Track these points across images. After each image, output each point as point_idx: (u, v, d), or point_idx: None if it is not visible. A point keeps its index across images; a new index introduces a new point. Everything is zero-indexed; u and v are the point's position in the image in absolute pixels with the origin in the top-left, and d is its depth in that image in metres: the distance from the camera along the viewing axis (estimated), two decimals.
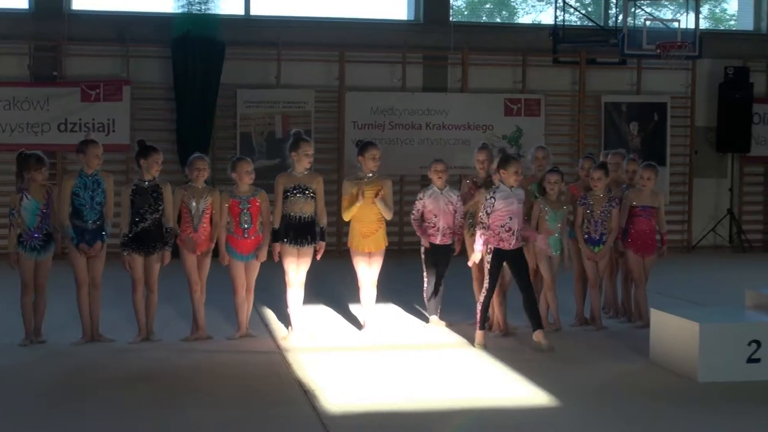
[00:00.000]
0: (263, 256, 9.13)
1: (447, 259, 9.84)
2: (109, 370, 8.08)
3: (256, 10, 16.85)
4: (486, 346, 8.86)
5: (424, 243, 9.74)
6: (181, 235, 8.96)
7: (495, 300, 9.27)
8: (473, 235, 9.67)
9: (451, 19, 17.42)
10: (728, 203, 17.69)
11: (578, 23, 18.21)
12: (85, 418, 6.74)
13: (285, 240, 9.04)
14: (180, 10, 15.78)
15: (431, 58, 17.03)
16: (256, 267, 9.15)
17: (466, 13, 21.18)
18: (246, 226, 9.02)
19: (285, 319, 9.58)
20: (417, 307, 10.77)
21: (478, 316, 8.98)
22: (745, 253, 17.30)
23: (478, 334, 8.95)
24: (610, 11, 17.95)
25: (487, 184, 9.53)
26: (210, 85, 15.58)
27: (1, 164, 14.19)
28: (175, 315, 10.03)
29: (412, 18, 17.39)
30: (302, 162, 9.08)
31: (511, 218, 8.72)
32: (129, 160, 14.25)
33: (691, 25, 16.17)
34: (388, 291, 10.55)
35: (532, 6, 22.22)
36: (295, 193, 9.02)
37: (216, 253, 9.08)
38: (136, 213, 8.85)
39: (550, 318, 9.65)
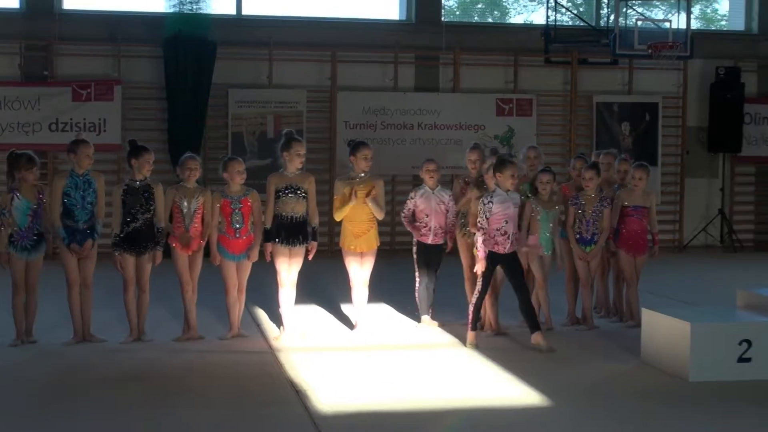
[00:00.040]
0: (255, 256, 9.12)
1: (439, 258, 9.84)
2: (100, 370, 8.07)
3: (247, 10, 16.85)
4: (478, 346, 8.86)
5: (417, 237, 9.74)
6: (174, 232, 8.94)
7: (487, 300, 9.28)
8: (465, 234, 9.70)
9: (442, 19, 17.43)
10: (719, 203, 17.73)
11: (570, 23, 18.25)
12: (77, 418, 6.72)
13: (276, 240, 9.04)
14: (171, 10, 15.76)
15: (423, 58, 17.04)
16: (247, 267, 9.14)
17: (457, 13, 21.20)
18: (237, 226, 9.01)
19: (277, 319, 9.58)
20: (409, 307, 10.76)
21: (470, 317, 8.99)
22: (736, 252, 17.34)
23: (470, 334, 8.96)
24: (601, 11, 17.98)
25: (479, 183, 9.54)
26: (201, 85, 15.56)
27: None
28: (166, 315, 10.01)
29: (404, 18, 17.40)
30: (294, 162, 9.07)
31: (506, 222, 8.72)
32: (120, 160, 14.23)
33: (683, 26, 16.21)
34: (380, 291, 10.54)
35: (524, 6, 22.25)
36: (287, 193, 9.02)
37: (207, 253, 9.07)
38: (127, 213, 8.83)
39: (542, 317, 9.65)
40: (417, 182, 10.85)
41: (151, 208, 8.88)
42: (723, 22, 21.40)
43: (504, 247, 8.75)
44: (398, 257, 14.18)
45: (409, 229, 9.84)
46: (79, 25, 15.84)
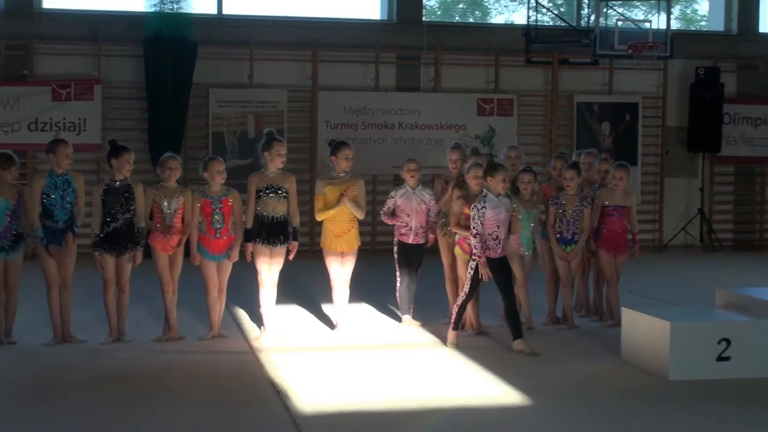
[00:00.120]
0: (235, 256, 9.10)
1: (420, 258, 9.86)
2: (80, 370, 8.04)
3: (228, 10, 16.80)
4: (458, 346, 8.87)
5: (396, 226, 9.74)
6: (157, 227, 8.90)
7: None
8: (446, 234, 9.72)
9: (424, 18, 17.44)
10: (699, 203, 17.81)
11: (551, 23, 18.29)
12: (57, 418, 6.70)
13: (257, 240, 9.02)
14: (152, 9, 15.70)
15: (404, 58, 17.05)
16: (228, 267, 9.12)
17: (439, 13, 21.22)
18: (218, 226, 8.99)
19: (257, 319, 9.56)
20: (390, 306, 10.78)
21: (453, 317, 8.99)
22: (715, 252, 17.43)
23: (451, 333, 8.96)
24: (582, 12, 18.03)
25: (460, 183, 9.56)
26: (182, 85, 15.51)
27: None
28: (146, 315, 9.98)
29: (385, 18, 17.40)
30: (275, 162, 9.06)
31: (498, 227, 8.68)
32: (100, 159, 14.18)
33: (663, 26, 16.28)
34: (361, 291, 10.54)
35: (505, 6, 22.29)
36: (268, 193, 9.01)
37: (188, 253, 9.05)
38: (107, 213, 8.79)
39: (522, 317, 9.66)
40: (398, 182, 10.86)
41: (132, 208, 8.84)
42: (703, 23, 21.50)
43: (496, 252, 8.71)
44: (379, 257, 14.18)
45: (387, 221, 9.83)
46: (59, 24, 15.76)
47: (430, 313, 10.12)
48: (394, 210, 9.78)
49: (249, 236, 9.03)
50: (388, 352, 8.82)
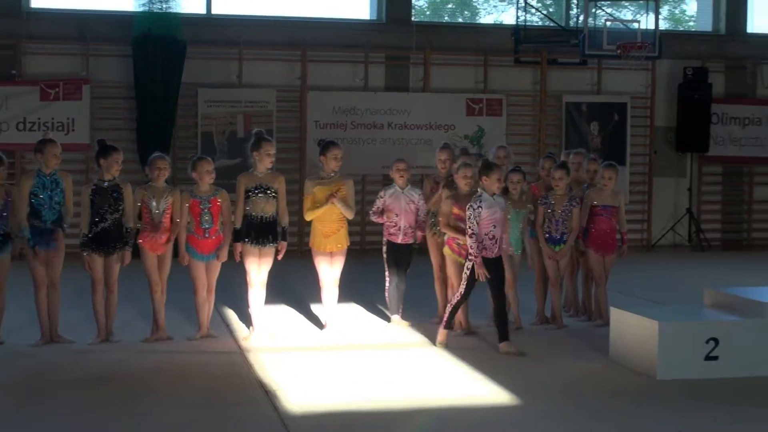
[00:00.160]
0: (224, 256, 9.09)
1: (409, 258, 9.86)
2: (68, 371, 8.02)
3: (217, 9, 16.77)
4: (447, 346, 8.88)
5: (385, 225, 9.74)
6: (146, 227, 8.88)
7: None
8: (435, 234, 9.73)
9: (413, 18, 17.44)
10: (687, 203, 17.84)
11: (539, 24, 18.30)
12: (45, 419, 6.68)
13: (246, 240, 9.01)
14: (141, 9, 15.66)
15: (393, 58, 17.04)
16: (216, 267, 9.11)
17: (428, 13, 21.23)
18: (207, 226, 8.98)
19: (246, 320, 9.55)
20: (379, 306, 10.78)
21: (446, 316, 8.97)
22: (703, 252, 17.47)
23: (442, 333, 8.95)
24: (571, 12, 18.05)
25: (449, 183, 9.57)
26: (171, 85, 15.48)
27: None
28: (135, 315, 9.96)
29: (374, 17, 17.39)
30: (264, 162, 9.06)
31: (494, 226, 8.66)
32: (89, 159, 14.14)
33: (651, 26, 16.30)
34: (350, 291, 10.54)
35: (494, 6, 22.31)
36: (257, 193, 9.00)
37: (176, 253, 9.03)
38: (95, 213, 8.77)
39: (511, 317, 9.68)
40: (387, 182, 10.86)
41: (120, 208, 8.83)
42: (691, 23, 21.56)
43: (492, 252, 8.69)
44: (368, 257, 14.18)
45: (376, 220, 9.83)
46: (47, 23, 15.72)
47: (419, 313, 10.13)
48: (383, 209, 9.79)
49: (238, 236, 9.03)
50: (377, 352, 8.82)
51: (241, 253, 9.05)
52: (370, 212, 9.93)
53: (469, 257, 8.69)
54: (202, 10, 16.66)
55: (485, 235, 8.63)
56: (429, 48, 16.77)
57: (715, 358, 7.89)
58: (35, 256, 8.71)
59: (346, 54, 16.67)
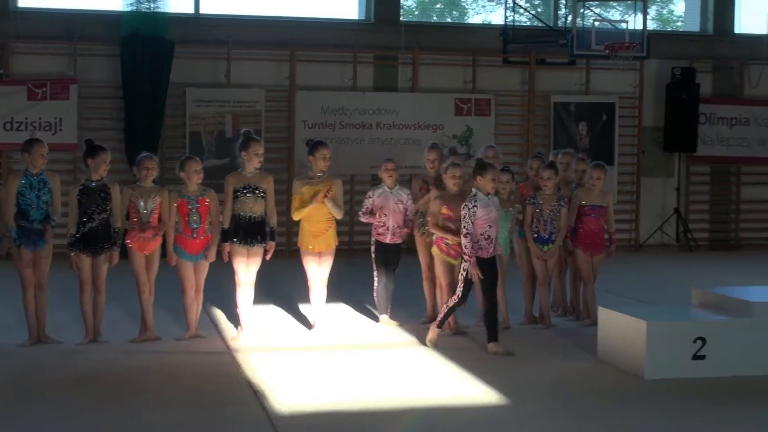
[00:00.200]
0: (212, 256, 9.07)
1: (397, 258, 9.87)
2: (56, 371, 8.00)
3: (205, 9, 16.75)
4: (437, 345, 8.87)
5: (374, 225, 9.74)
6: (134, 227, 8.85)
7: (445, 298, 9.28)
8: (423, 234, 9.73)
9: (401, 18, 17.45)
10: (675, 202, 17.88)
11: (528, 24, 18.31)
12: (32, 419, 6.66)
13: (235, 240, 9.00)
14: (129, 8, 15.62)
15: (382, 58, 17.04)
16: (205, 267, 9.10)
17: (416, 12, 21.24)
18: (195, 226, 8.96)
19: (234, 320, 9.54)
20: (367, 306, 10.78)
21: (440, 315, 8.93)
22: (691, 251, 17.51)
23: (434, 331, 8.91)
24: (559, 12, 18.09)
25: (438, 183, 9.57)
26: (159, 84, 15.44)
27: None
28: (123, 316, 9.94)
29: (362, 17, 17.39)
30: (252, 161, 9.05)
31: (490, 226, 8.66)
32: (76, 159, 14.12)
33: (639, 26, 16.34)
34: (338, 290, 10.54)
35: (482, 6, 22.33)
36: (245, 193, 8.99)
37: (164, 253, 9.02)
38: (83, 213, 8.75)
39: (499, 317, 9.67)
40: (376, 182, 10.85)
41: (108, 208, 8.80)
42: (679, 23, 21.62)
43: (487, 252, 8.68)
44: (357, 257, 14.17)
45: (366, 220, 9.82)
46: (34, 23, 15.67)
47: (408, 312, 10.13)
48: (372, 209, 9.79)
49: (226, 236, 9.01)
50: (365, 352, 8.82)
51: (229, 253, 9.04)
52: (359, 212, 9.93)
53: (464, 257, 8.68)
54: (191, 10, 16.64)
55: (481, 235, 8.62)
56: (417, 48, 16.78)
57: (703, 357, 7.92)
58: (21, 256, 8.67)
59: (335, 54, 16.67)
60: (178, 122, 15.98)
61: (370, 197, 9.81)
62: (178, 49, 15.52)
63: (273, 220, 9.15)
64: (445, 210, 9.12)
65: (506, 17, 17.17)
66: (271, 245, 9.15)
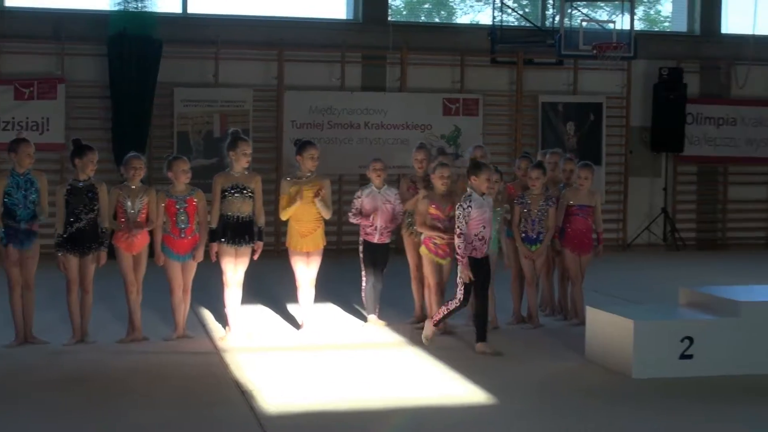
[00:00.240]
0: (200, 256, 9.06)
1: (385, 258, 9.87)
2: (43, 372, 7.97)
3: (193, 8, 16.73)
4: (431, 342, 8.82)
5: (364, 228, 9.74)
6: (121, 227, 8.83)
7: (433, 298, 9.29)
8: (411, 234, 9.73)
9: (389, 18, 17.46)
10: (662, 202, 17.93)
11: (516, 24, 18.33)
12: (19, 420, 6.64)
13: (222, 240, 8.99)
14: (116, 8, 15.57)
15: (370, 58, 17.04)
16: (192, 267, 9.08)
17: (404, 12, 21.24)
18: (183, 225, 8.95)
19: (222, 320, 9.53)
20: (355, 306, 10.78)
21: (438, 316, 8.83)
22: (678, 251, 17.56)
23: (432, 329, 8.86)
24: (547, 12, 18.11)
25: (426, 183, 9.58)
26: (147, 84, 15.41)
27: None
28: (110, 316, 9.91)
29: (350, 17, 17.39)
30: (240, 161, 9.03)
31: (484, 227, 8.66)
32: (64, 159, 14.07)
33: (627, 27, 16.39)
34: (326, 290, 10.54)
35: (470, 6, 22.34)
36: (233, 193, 8.98)
37: (152, 253, 9.00)
38: (70, 213, 8.72)
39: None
40: (364, 182, 10.86)
41: (95, 208, 8.78)
42: (666, 24, 21.67)
43: (481, 252, 8.69)
44: (345, 257, 14.17)
45: (356, 221, 9.81)
46: (21, 22, 15.61)
47: (396, 312, 10.14)
48: (362, 210, 9.78)
49: (214, 236, 9.00)
50: (353, 352, 8.82)
51: (217, 253, 9.03)
52: (349, 213, 9.91)
53: (456, 258, 8.65)
54: (178, 9, 16.61)
55: (475, 236, 8.61)
56: (406, 48, 16.79)
57: (690, 356, 7.94)
58: (8, 256, 8.64)
59: (323, 54, 16.66)
60: (165, 122, 15.95)
61: (358, 197, 9.81)
62: (166, 48, 15.49)
63: (261, 220, 9.14)
64: (433, 210, 9.13)
65: (494, 17, 17.20)
66: (259, 245, 9.14)
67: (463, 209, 8.58)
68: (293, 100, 16.33)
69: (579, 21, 16.60)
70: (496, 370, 8.10)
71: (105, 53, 15.41)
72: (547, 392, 7.54)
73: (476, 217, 8.59)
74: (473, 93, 17.11)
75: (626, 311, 8.62)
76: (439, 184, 9.15)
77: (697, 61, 18.17)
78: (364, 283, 9.87)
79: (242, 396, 7.24)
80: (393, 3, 18.48)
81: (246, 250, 9.06)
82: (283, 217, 9.37)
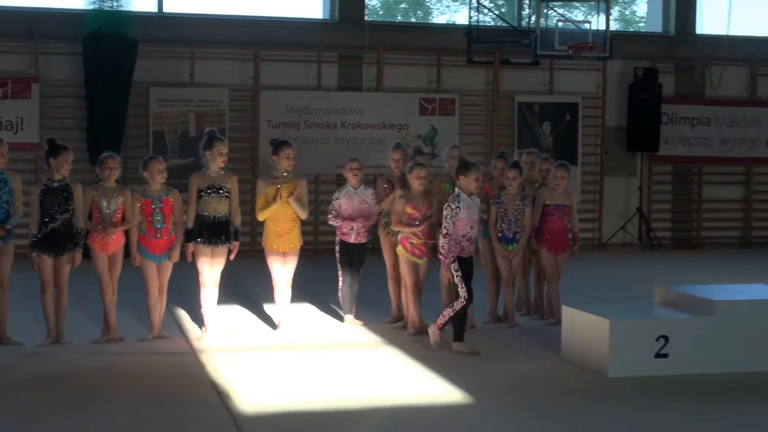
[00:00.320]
0: (176, 256, 9.02)
1: (362, 258, 9.87)
2: (17, 373, 7.92)
3: (169, 8, 16.67)
4: (442, 346, 8.73)
5: (340, 230, 9.73)
6: (96, 228, 8.77)
7: (410, 297, 9.31)
8: (388, 233, 9.74)
9: (366, 18, 17.45)
10: (638, 202, 18.02)
11: (492, 24, 18.40)
12: None
13: (198, 240, 8.96)
14: (91, 6, 15.49)
15: (346, 58, 17.04)
16: (168, 267, 9.05)
17: (381, 12, 21.27)
18: (158, 226, 8.91)
19: (198, 320, 9.49)
20: (332, 306, 10.77)
21: (444, 318, 8.73)
22: (653, 250, 17.66)
23: (436, 333, 8.78)
24: (523, 12, 18.16)
25: (402, 182, 9.58)
26: (122, 83, 15.33)
27: None
28: (85, 317, 9.86)
29: (327, 17, 17.38)
30: (216, 161, 9.01)
31: (471, 227, 8.65)
32: (38, 159, 13.99)
33: (602, 27, 16.44)
34: (303, 290, 10.52)
35: (447, 6, 22.41)
36: (209, 193, 8.95)
37: (128, 253, 8.96)
38: (45, 213, 8.67)
39: None
40: (340, 182, 10.85)
41: (70, 208, 8.73)
42: (641, 24, 21.80)
43: (468, 252, 8.69)
44: (321, 257, 14.16)
45: (336, 224, 9.80)
46: None
47: (372, 312, 10.13)
48: (339, 213, 9.76)
49: (190, 236, 8.97)
50: (330, 352, 8.81)
51: (193, 253, 9.00)
52: (329, 216, 9.86)
53: (440, 257, 8.63)
54: (154, 8, 16.56)
55: (462, 236, 8.60)
56: (382, 47, 16.79)
57: (665, 355, 7.98)
58: None
59: (299, 53, 16.64)
60: (141, 121, 15.87)
61: (336, 198, 9.81)
62: (142, 47, 15.42)
63: (237, 220, 9.11)
64: (409, 209, 9.14)
65: (470, 17, 17.23)
66: (235, 245, 9.11)
67: (452, 209, 8.57)
68: (269, 100, 16.31)
69: (555, 21, 16.64)
70: (472, 370, 8.11)
71: (80, 52, 15.34)
72: (523, 391, 7.56)
73: (464, 218, 8.59)
74: (450, 93, 17.14)
75: (602, 310, 8.65)
76: (416, 184, 9.16)
77: (672, 62, 18.27)
78: (340, 283, 9.87)
79: (219, 396, 7.22)
80: (369, 3, 18.48)
81: (222, 250, 9.03)
82: (261, 217, 9.35)
